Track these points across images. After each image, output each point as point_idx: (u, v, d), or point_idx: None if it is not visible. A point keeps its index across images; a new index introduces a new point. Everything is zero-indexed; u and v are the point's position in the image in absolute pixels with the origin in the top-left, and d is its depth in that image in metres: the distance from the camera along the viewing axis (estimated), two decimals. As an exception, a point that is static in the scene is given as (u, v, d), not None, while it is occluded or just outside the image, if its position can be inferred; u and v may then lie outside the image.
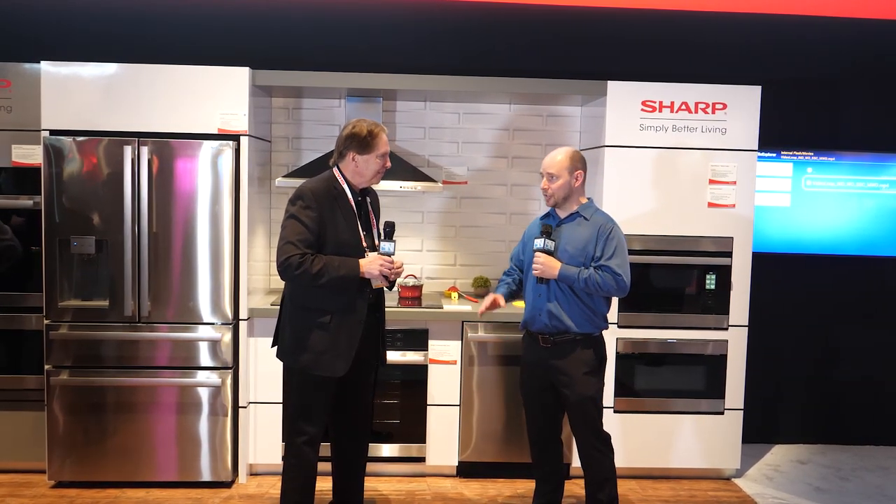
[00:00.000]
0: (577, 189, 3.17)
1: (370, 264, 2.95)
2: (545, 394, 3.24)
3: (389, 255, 2.99)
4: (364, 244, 3.03)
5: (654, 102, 3.88)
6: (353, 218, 3.03)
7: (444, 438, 3.92)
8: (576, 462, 3.66)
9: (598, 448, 3.17)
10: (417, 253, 4.48)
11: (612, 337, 3.82)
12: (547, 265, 3.08)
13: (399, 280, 4.11)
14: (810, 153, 4.44)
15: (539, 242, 3.11)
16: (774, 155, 4.41)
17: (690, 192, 3.91)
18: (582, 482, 3.28)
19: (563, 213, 3.20)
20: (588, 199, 3.24)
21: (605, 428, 3.23)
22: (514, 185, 4.50)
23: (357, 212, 3.05)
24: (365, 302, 3.03)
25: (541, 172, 3.19)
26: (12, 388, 3.82)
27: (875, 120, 4.59)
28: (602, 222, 3.13)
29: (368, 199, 3.16)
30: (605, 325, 3.21)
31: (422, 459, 3.93)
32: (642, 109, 3.87)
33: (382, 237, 3.04)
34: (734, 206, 3.92)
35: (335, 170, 3.07)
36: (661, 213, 3.91)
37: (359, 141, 2.99)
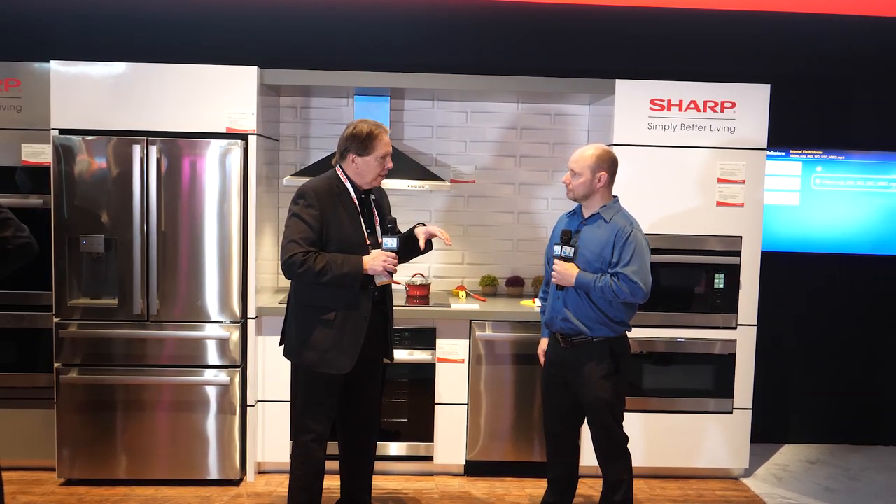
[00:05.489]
0: (601, 189, 3.08)
1: (373, 261, 2.94)
2: (561, 391, 3.21)
3: (392, 250, 2.98)
4: (368, 241, 3.03)
5: (663, 101, 3.87)
6: (356, 215, 3.02)
7: (451, 437, 3.92)
8: (587, 462, 3.65)
9: (614, 450, 3.13)
10: (425, 252, 4.47)
11: (620, 336, 3.81)
12: (563, 273, 3.04)
13: (407, 279, 4.13)
14: (820, 152, 4.42)
15: (558, 249, 3.09)
16: (783, 153, 4.39)
17: (699, 190, 3.89)
18: (593, 482, 3.27)
19: (586, 212, 3.13)
20: (614, 198, 3.15)
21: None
22: (522, 184, 4.49)
23: (360, 209, 3.05)
24: (369, 299, 3.02)
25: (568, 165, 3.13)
26: (22, 385, 3.84)
27: (885, 118, 4.57)
28: (621, 226, 3.01)
29: (373, 197, 3.14)
30: (626, 328, 3.13)
31: (429, 458, 3.93)
32: (650, 108, 3.86)
33: (385, 233, 3.03)
34: (743, 204, 3.90)
35: (337, 168, 3.06)
36: (669, 211, 3.89)
37: (359, 142, 2.97)
